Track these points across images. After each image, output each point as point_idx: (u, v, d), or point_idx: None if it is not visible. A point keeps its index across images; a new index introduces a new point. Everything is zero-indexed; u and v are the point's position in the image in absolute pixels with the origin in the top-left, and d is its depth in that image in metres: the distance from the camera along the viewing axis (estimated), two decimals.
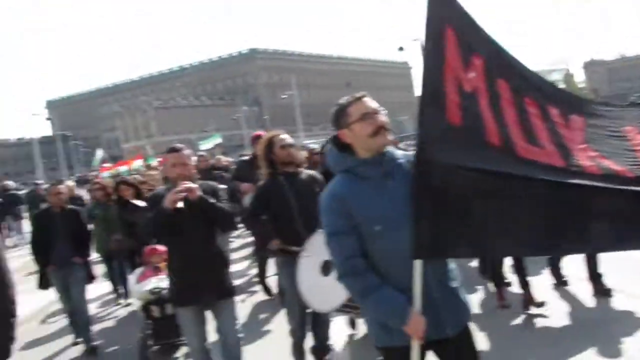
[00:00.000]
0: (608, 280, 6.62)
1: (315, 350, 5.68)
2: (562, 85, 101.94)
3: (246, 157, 9.54)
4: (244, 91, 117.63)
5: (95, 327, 7.90)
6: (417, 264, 2.89)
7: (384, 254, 2.91)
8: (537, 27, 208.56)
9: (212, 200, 4.63)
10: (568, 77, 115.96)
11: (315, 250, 5.15)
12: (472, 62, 3.07)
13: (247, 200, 7.30)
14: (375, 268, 2.91)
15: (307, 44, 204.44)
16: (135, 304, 7.26)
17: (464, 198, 2.97)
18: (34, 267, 7.82)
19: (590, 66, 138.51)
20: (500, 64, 3.16)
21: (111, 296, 9.94)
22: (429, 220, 2.92)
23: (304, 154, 7.79)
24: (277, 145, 5.31)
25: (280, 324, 6.60)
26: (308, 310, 5.38)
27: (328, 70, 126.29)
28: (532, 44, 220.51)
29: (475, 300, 6.89)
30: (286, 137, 5.39)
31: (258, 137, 7.83)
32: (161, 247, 6.36)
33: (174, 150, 4.80)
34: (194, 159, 9.21)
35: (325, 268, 5.14)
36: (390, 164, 3.03)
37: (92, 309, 8.63)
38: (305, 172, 5.47)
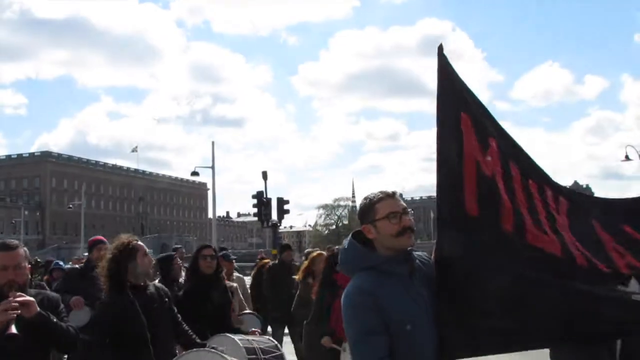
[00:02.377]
0: None
1: None
2: (346, 221, 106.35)
3: (77, 266, 8.54)
4: (29, 194, 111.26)
5: None
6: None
7: (412, 355, 2.82)
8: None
9: (53, 318, 3.56)
10: (352, 212, 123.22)
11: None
12: (489, 145, 3.10)
13: (74, 317, 6.13)
14: None
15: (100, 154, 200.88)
16: None
17: (484, 295, 2.94)
18: None
19: None
20: (507, 144, 3.20)
21: None
22: (455, 320, 2.91)
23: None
24: (141, 252, 4.61)
25: None
26: None
27: (122, 182, 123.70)
28: None
29: None
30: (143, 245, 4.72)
31: (98, 241, 7.08)
32: None
33: (4, 247, 3.62)
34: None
35: None
36: (413, 263, 3.01)
37: None
38: (154, 285, 4.80)
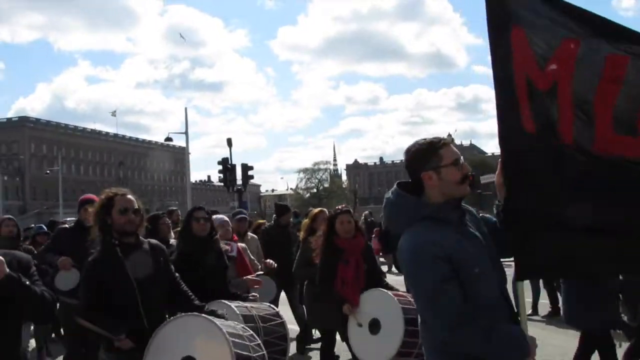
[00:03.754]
0: None
1: None
2: (327, 184, 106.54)
3: (66, 225, 8.27)
4: (7, 160, 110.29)
5: None
6: (520, 287, 3.00)
7: (481, 296, 2.79)
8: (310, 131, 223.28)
9: (25, 281, 3.21)
10: (334, 176, 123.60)
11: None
12: (556, 53, 2.97)
13: (61, 279, 6.29)
14: (477, 309, 2.77)
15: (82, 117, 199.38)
16: None
17: (551, 220, 2.98)
18: None
19: (354, 168, 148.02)
20: (605, 33, 2.99)
21: None
22: (526, 243, 3.00)
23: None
24: (116, 207, 4.27)
25: None
26: None
27: (101, 147, 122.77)
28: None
29: None
30: (130, 198, 4.35)
31: (87, 200, 6.67)
32: None
33: None
34: None
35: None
36: (461, 209, 2.99)
37: None
38: (149, 242, 4.50)
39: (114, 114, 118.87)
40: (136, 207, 4.33)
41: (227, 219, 7.19)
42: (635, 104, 2.93)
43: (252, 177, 34.39)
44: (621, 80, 2.93)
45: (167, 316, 4.47)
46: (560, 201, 2.99)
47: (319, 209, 7.87)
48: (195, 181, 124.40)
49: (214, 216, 6.36)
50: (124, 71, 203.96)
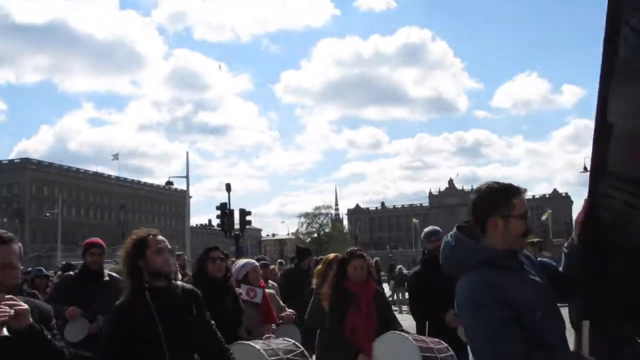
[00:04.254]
0: None
1: None
2: (328, 229, 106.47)
3: (71, 272, 7.35)
4: (7, 202, 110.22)
5: None
6: (585, 326, 2.81)
7: (543, 343, 2.71)
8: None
9: (47, 334, 2.92)
10: (334, 221, 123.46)
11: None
12: None
13: (71, 330, 5.88)
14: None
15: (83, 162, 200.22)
16: None
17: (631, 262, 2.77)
18: None
19: (355, 213, 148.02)
20: None
21: None
22: (597, 286, 2.82)
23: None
24: (151, 248, 3.97)
25: None
26: None
27: (102, 190, 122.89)
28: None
29: None
30: (163, 238, 4.09)
31: (93, 244, 6.46)
32: None
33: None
34: None
35: None
36: (520, 257, 2.93)
37: None
38: (182, 287, 4.21)
39: (116, 157, 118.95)
40: (170, 247, 4.06)
41: (257, 263, 6.81)
42: None
43: (249, 222, 34.71)
44: None
45: None
46: None
47: (334, 254, 7.43)
48: (196, 225, 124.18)
49: (244, 260, 6.25)
50: (128, 114, 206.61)
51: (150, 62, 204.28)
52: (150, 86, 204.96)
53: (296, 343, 5.04)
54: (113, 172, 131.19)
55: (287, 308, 7.09)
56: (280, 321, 6.65)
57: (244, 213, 33.30)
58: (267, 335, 5.47)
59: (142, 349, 3.84)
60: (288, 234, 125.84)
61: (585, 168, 39.73)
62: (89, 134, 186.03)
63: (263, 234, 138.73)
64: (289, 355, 4.74)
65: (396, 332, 5.50)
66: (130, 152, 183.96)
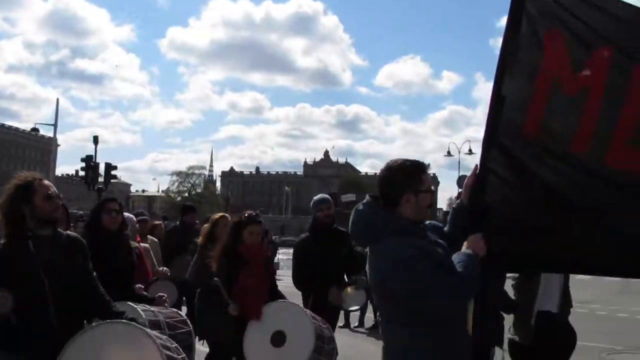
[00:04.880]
0: None
1: None
2: (200, 189, 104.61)
3: None
4: None
5: None
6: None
7: None
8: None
9: None
10: (208, 182, 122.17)
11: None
12: (592, 59, 2.95)
13: None
14: None
15: None
16: None
17: (525, 221, 3.08)
18: None
19: (229, 176, 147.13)
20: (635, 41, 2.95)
21: None
22: (495, 238, 3.07)
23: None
24: (39, 194, 3.71)
25: None
26: None
27: None
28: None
29: None
30: (50, 183, 3.85)
31: None
32: None
33: None
34: None
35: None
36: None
37: None
38: (67, 236, 3.94)
39: None
40: (58, 193, 3.82)
41: (132, 217, 6.53)
42: None
43: (115, 176, 34.45)
44: None
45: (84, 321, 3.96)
46: (542, 206, 3.07)
47: (221, 214, 7.34)
48: (62, 175, 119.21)
49: None
50: None
51: (28, 1, 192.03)
52: (25, 26, 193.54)
53: (187, 320, 4.82)
54: None
55: (160, 266, 6.99)
56: (155, 278, 6.53)
57: (109, 167, 32.89)
58: (159, 295, 5.15)
59: (24, 299, 3.54)
60: (158, 191, 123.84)
61: (449, 152, 42.20)
62: None
63: (132, 189, 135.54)
64: (173, 332, 4.45)
65: (291, 302, 5.66)
66: None
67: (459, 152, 42.10)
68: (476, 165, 3.24)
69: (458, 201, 3.41)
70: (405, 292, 2.94)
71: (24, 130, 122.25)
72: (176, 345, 3.73)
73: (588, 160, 2.97)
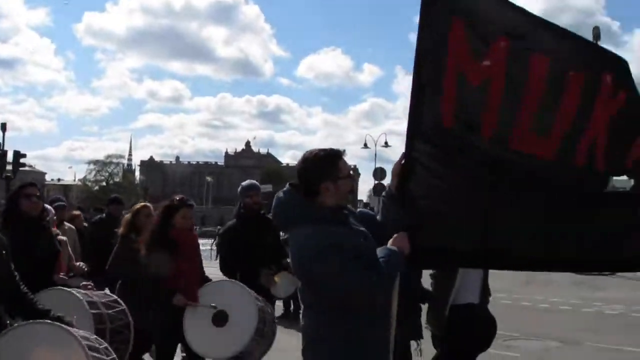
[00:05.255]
0: None
1: None
2: (118, 178, 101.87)
3: None
4: None
5: None
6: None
7: None
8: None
9: None
10: (126, 171, 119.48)
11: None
12: (490, 49, 3.04)
13: None
14: None
15: None
16: None
17: (446, 212, 3.14)
18: None
19: (148, 165, 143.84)
20: (540, 39, 3.09)
21: None
22: (418, 232, 3.11)
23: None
24: None
25: None
26: None
27: None
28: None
29: None
30: None
31: None
32: None
33: None
34: None
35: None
36: (344, 212, 3.22)
37: None
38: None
39: None
40: None
41: (50, 207, 6.28)
42: (553, 106, 3.10)
43: (23, 164, 33.95)
44: (544, 81, 3.08)
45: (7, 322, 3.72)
46: (463, 195, 3.16)
47: (142, 203, 7.07)
48: None
49: None
50: None
51: None
52: None
53: (118, 299, 4.81)
54: None
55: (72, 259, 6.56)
56: (71, 274, 6.08)
57: (18, 155, 32.25)
58: (84, 285, 5.10)
59: None
60: (75, 180, 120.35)
61: (365, 144, 42.96)
62: None
63: (47, 177, 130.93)
64: (110, 311, 4.50)
65: (236, 282, 5.64)
66: None
67: (375, 145, 42.86)
68: (403, 153, 3.28)
69: (387, 190, 3.47)
70: (319, 279, 3.01)
71: None
72: (106, 345, 3.64)
73: (493, 147, 3.09)
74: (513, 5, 3.10)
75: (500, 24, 3.08)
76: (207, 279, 5.86)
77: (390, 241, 3.13)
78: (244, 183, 6.66)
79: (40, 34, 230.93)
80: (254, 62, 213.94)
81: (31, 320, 3.54)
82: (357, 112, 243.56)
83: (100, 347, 3.54)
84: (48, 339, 3.41)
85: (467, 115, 3.09)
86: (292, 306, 11.55)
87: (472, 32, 3.02)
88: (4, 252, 3.67)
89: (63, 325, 3.49)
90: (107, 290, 5.90)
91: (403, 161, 3.25)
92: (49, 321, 3.52)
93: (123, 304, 4.74)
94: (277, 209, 3.19)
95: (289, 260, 6.19)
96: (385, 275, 2.98)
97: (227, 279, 5.83)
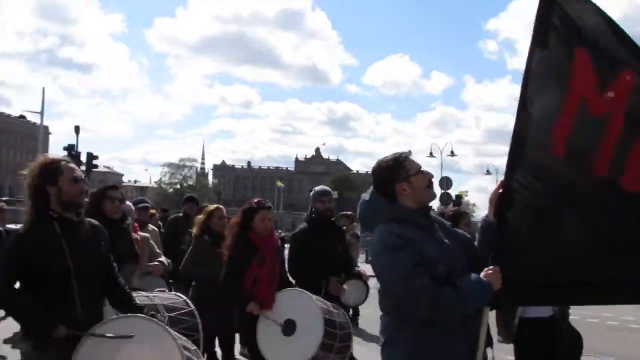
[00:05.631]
0: None
1: None
2: (192, 182, 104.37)
3: None
4: None
5: None
6: (486, 311, 3.13)
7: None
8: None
9: None
10: (200, 176, 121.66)
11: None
12: (616, 79, 2.96)
13: None
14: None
15: None
16: None
17: (548, 246, 3.03)
18: None
19: (221, 170, 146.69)
20: None
21: None
22: (514, 264, 3.02)
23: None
24: (66, 176, 3.56)
25: None
26: None
27: None
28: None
29: None
30: (75, 166, 3.70)
31: None
32: None
33: None
34: None
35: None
36: (431, 217, 3.27)
37: None
38: (90, 223, 3.77)
39: None
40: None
41: (132, 206, 6.27)
42: None
43: (96, 166, 34.77)
44: None
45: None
46: (566, 230, 3.06)
47: (216, 206, 7.10)
48: None
49: None
50: None
51: None
52: (14, 13, 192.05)
53: (187, 301, 4.67)
54: None
55: (161, 256, 6.44)
56: (147, 272, 6.07)
57: (91, 157, 33.03)
58: (159, 290, 5.05)
59: (48, 284, 3.42)
60: (151, 183, 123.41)
61: (431, 154, 42.07)
62: None
63: (125, 179, 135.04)
64: (172, 314, 4.34)
65: (300, 290, 5.49)
66: None
67: (441, 154, 42.05)
68: (501, 181, 3.23)
69: (485, 217, 3.37)
70: (382, 277, 3.12)
71: (15, 117, 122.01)
72: (196, 348, 3.64)
73: (606, 184, 2.98)
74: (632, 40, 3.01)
75: (625, 57, 2.97)
76: (289, 283, 5.76)
77: (483, 273, 3.04)
78: (317, 188, 6.60)
79: (114, 40, 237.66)
80: (322, 69, 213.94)
81: (130, 314, 3.59)
82: (427, 120, 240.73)
83: (192, 348, 3.57)
84: (145, 333, 3.39)
85: (581, 146, 2.99)
86: (351, 312, 11.14)
87: (600, 62, 2.95)
88: (104, 242, 3.75)
89: (159, 322, 3.53)
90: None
91: (501, 190, 3.18)
92: (147, 317, 3.57)
93: (191, 305, 4.62)
94: (361, 210, 3.32)
95: (358, 268, 6.45)
96: (454, 296, 2.91)
97: (294, 289, 5.65)
